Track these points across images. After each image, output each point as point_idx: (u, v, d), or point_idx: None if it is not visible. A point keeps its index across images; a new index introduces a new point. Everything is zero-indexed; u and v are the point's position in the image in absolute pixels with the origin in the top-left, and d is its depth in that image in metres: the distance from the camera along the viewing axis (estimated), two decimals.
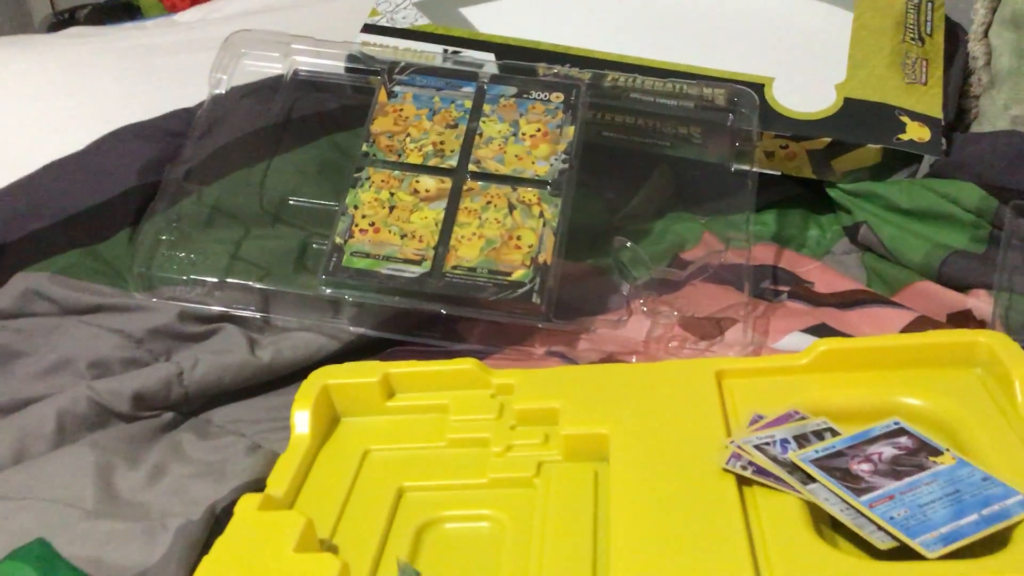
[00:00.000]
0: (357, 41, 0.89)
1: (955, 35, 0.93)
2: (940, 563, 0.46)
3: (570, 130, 0.79)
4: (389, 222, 0.75)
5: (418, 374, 0.66)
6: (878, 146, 0.80)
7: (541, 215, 0.75)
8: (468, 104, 0.81)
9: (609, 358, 0.73)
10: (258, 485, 0.61)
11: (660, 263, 0.83)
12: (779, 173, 0.85)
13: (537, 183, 0.77)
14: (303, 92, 0.86)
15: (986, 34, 0.89)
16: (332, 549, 0.54)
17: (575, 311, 0.76)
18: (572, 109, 0.80)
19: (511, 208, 0.76)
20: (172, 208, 0.78)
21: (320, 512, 0.57)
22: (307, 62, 0.86)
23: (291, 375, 0.73)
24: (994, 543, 0.47)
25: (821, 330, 0.72)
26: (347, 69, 0.85)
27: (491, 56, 0.88)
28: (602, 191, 0.88)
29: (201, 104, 0.84)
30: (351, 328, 0.74)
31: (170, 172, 0.80)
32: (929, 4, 0.91)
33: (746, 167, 0.79)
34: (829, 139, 0.81)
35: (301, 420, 0.62)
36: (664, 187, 0.89)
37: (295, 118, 0.85)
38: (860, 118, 0.81)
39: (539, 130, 0.79)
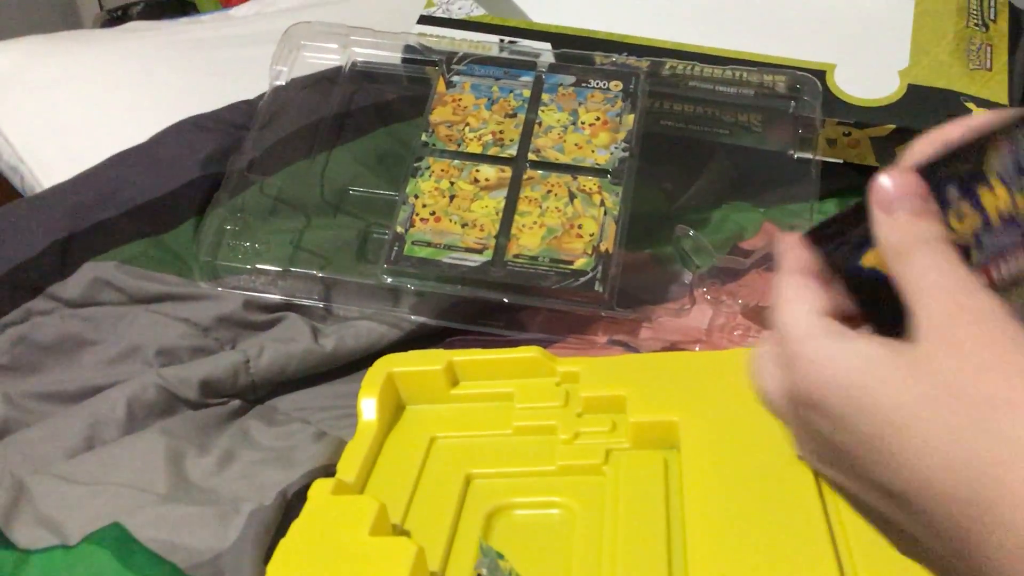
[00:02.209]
0: (414, 32, 0.89)
1: (1019, 20, 0.91)
2: None
3: (629, 118, 0.79)
4: (450, 211, 0.75)
5: (482, 362, 0.66)
6: None
7: (602, 204, 0.75)
8: (527, 93, 0.81)
9: (672, 347, 0.73)
10: (327, 471, 0.61)
11: (720, 252, 0.83)
12: (841, 161, 0.84)
13: (597, 172, 0.77)
14: (361, 83, 0.86)
15: None
16: (404, 534, 0.55)
17: (637, 300, 0.75)
18: (631, 97, 0.80)
19: (572, 197, 0.75)
20: (235, 198, 0.78)
21: (390, 498, 0.57)
22: (365, 53, 0.86)
23: (354, 363, 0.74)
24: None
25: None
26: (404, 60, 0.86)
27: (547, 45, 0.88)
28: (661, 180, 0.88)
29: (262, 96, 0.85)
30: (412, 317, 0.75)
31: (233, 163, 0.81)
32: None
33: (809, 155, 0.78)
34: (893, 126, 0.80)
35: (368, 407, 0.63)
36: (723, 176, 0.89)
37: (354, 109, 0.85)
38: (924, 104, 0.80)
39: (598, 119, 0.79)
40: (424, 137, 0.78)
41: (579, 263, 0.72)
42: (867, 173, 0.85)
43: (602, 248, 0.73)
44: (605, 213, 0.75)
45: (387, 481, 0.59)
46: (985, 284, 0.29)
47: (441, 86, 0.81)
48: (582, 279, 0.71)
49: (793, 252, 0.31)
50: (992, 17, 0.88)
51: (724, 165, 0.88)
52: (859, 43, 0.86)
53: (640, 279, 0.78)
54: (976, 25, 0.87)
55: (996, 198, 0.29)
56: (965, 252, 0.29)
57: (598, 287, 0.71)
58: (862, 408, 0.28)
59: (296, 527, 0.52)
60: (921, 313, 0.28)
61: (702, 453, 0.55)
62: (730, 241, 0.84)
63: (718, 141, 0.86)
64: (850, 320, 0.30)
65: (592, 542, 0.53)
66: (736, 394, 0.60)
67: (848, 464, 0.29)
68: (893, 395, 0.27)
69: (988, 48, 0.85)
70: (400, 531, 0.55)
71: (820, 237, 0.30)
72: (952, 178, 0.29)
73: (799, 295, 0.30)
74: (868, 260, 0.29)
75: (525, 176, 0.77)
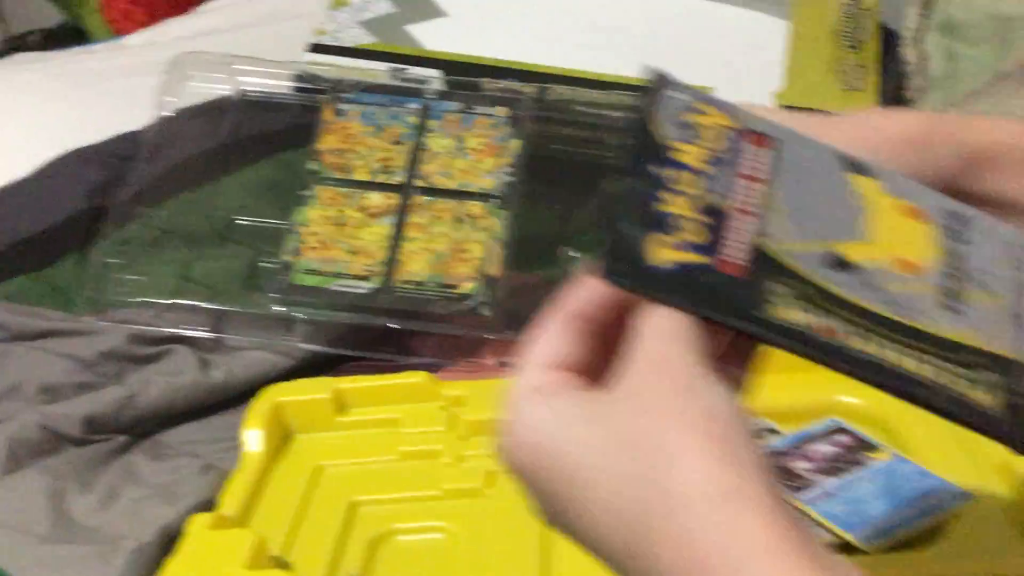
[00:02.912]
0: (303, 61, 0.89)
1: (890, 42, 0.95)
2: (877, 556, 0.47)
3: (515, 143, 0.80)
4: (338, 239, 0.75)
5: (369, 389, 0.66)
6: None
7: (488, 228, 0.76)
8: (414, 120, 0.82)
9: None
10: (212, 505, 0.61)
11: None
12: None
13: (483, 196, 0.78)
14: (250, 112, 0.86)
15: (919, 40, 0.92)
16: (284, 565, 0.55)
17: (526, 322, 0.76)
18: (517, 122, 0.82)
19: (458, 221, 0.76)
20: (121, 231, 0.78)
21: (273, 529, 0.57)
22: (253, 82, 0.86)
23: (245, 394, 0.73)
24: (930, 535, 0.49)
25: None
26: (293, 89, 0.86)
27: (437, 72, 0.89)
28: (552, 203, 0.89)
29: (148, 127, 0.84)
30: (303, 345, 0.75)
31: (118, 195, 0.80)
32: (864, 12, 0.93)
33: None
34: None
35: (252, 438, 0.63)
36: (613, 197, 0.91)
37: (242, 138, 0.85)
38: None
39: (484, 144, 0.80)
40: (312, 165, 0.79)
41: (465, 287, 0.73)
42: None
43: (488, 272, 0.74)
44: (491, 237, 0.76)
45: (271, 512, 0.59)
46: (750, 222, 0.30)
47: (329, 114, 0.82)
48: (468, 303, 0.73)
49: (570, 291, 0.32)
50: (863, 38, 0.91)
51: (613, 186, 0.90)
52: (736, 66, 0.89)
53: (530, 301, 0.79)
54: (849, 47, 0.90)
55: (687, 153, 0.31)
56: (710, 211, 0.30)
57: (484, 310, 0.72)
58: (552, 471, 0.28)
59: (172, 564, 0.52)
60: (626, 356, 0.29)
61: None
62: None
63: (606, 163, 0.87)
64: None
65: (472, 565, 0.54)
66: None
67: (562, 524, 0.29)
68: (578, 454, 0.28)
69: (860, 69, 0.88)
70: (280, 563, 0.55)
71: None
72: (651, 164, 0.30)
73: (533, 347, 0.31)
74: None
75: (413, 202, 0.77)
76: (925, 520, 0.48)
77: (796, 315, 0.30)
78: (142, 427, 0.71)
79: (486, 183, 0.78)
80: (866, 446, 0.54)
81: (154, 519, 0.60)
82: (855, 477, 0.52)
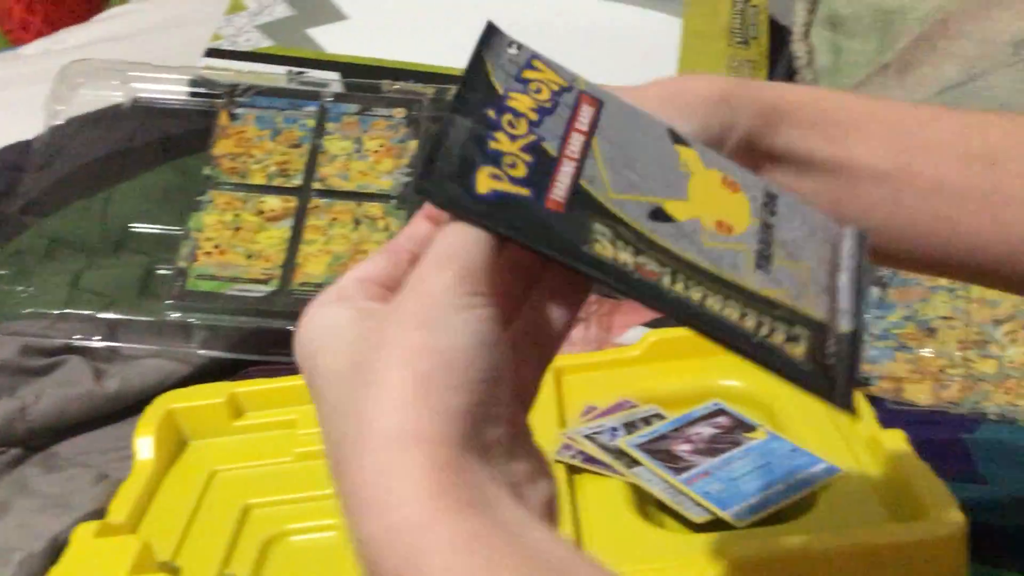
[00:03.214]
0: (199, 66, 0.89)
1: (781, 37, 0.98)
2: (748, 531, 0.49)
3: (413, 144, 0.81)
4: (234, 243, 0.75)
5: (265, 392, 0.66)
6: None
7: (387, 228, 0.77)
8: (311, 123, 0.82)
9: None
10: (104, 514, 0.60)
11: None
12: None
13: (382, 198, 0.78)
14: (145, 119, 0.85)
15: (807, 35, 0.94)
16: (173, 570, 0.54)
17: None
18: (415, 124, 0.82)
19: (357, 223, 0.77)
20: (10, 242, 0.76)
21: (163, 535, 0.57)
22: (148, 88, 0.86)
23: (143, 403, 0.72)
24: (800, 509, 0.50)
25: (662, 323, 0.75)
26: (189, 94, 0.85)
27: (336, 75, 0.89)
28: None
29: (39, 136, 0.83)
30: (201, 352, 0.74)
31: (8, 205, 0.79)
32: (753, 8, 0.96)
33: None
34: None
35: (143, 446, 0.62)
36: None
37: (137, 145, 0.84)
38: None
39: (382, 146, 0.81)
40: (207, 171, 0.78)
41: None
42: None
43: None
44: (390, 238, 0.76)
45: (162, 519, 0.59)
46: (575, 166, 0.31)
47: (224, 119, 0.81)
48: None
49: (409, 224, 0.33)
50: (754, 35, 0.94)
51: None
52: (630, 64, 0.91)
53: None
54: (739, 43, 0.93)
55: (520, 102, 0.32)
56: (540, 154, 0.31)
57: None
58: (307, 367, 0.29)
59: (54, 572, 0.51)
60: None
61: None
62: None
63: None
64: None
65: None
66: None
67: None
68: (324, 357, 0.29)
69: (749, 64, 0.91)
70: (168, 568, 0.54)
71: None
72: (487, 108, 0.31)
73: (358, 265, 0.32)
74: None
75: (310, 205, 0.77)
76: (795, 495, 0.50)
77: (618, 254, 0.30)
78: (35, 439, 0.70)
79: (384, 184, 0.79)
80: (744, 426, 0.56)
81: (45, 530, 0.60)
82: (731, 456, 0.53)
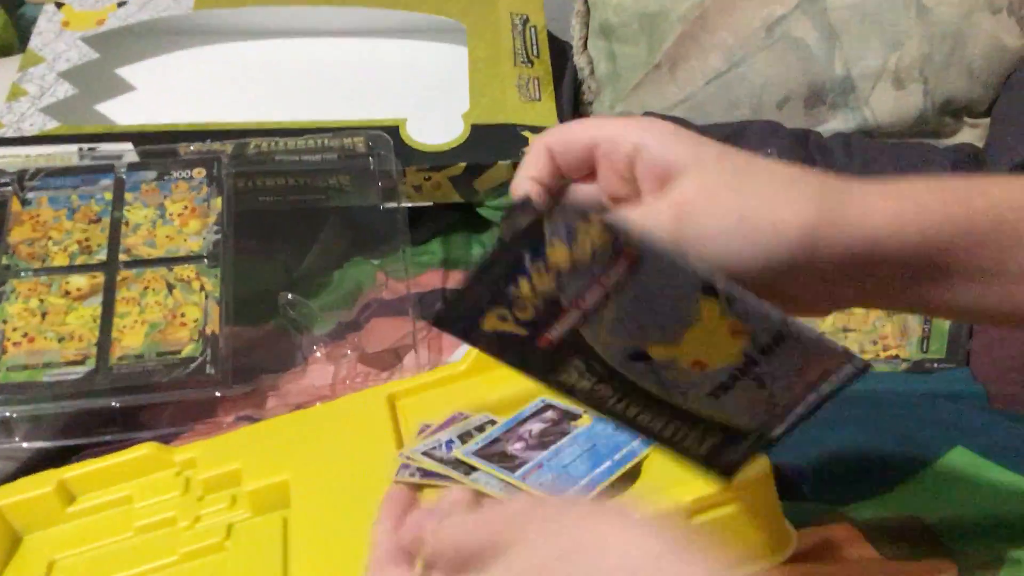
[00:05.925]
0: None
1: (562, 51, 1.03)
2: None
3: (217, 201, 0.81)
4: (43, 329, 0.73)
5: (96, 472, 0.64)
6: (507, 162, 0.87)
7: (202, 288, 0.76)
8: (108, 196, 0.80)
9: (299, 408, 0.75)
10: None
11: (342, 308, 0.86)
12: (431, 203, 0.91)
13: (193, 259, 0.78)
14: None
15: (585, 47, 0.99)
16: None
17: (257, 373, 0.77)
18: (216, 181, 0.82)
19: (170, 288, 0.76)
20: None
21: None
22: None
23: None
24: (628, 481, 0.53)
25: None
26: None
27: (129, 145, 0.88)
28: (275, 254, 0.90)
29: None
30: (26, 444, 0.72)
31: None
32: (532, 29, 1.00)
33: (394, 204, 0.84)
34: (464, 164, 0.87)
35: None
36: (336, 237, 0.92)
37: None
38: (487, 140, 0.88)
39: (186, 207, 0.80)
40: (4, 260, 0.76)
41: (187, 350, 0.73)
42: (458, 209, 0.93)
43: (208, 331, 0.74)
44: (207, 297, 0.76)
45: None
46: (580, 315, 0.37)
47: (16, 205, 0.79)
48: (192, 365, 0.72)
49: None
50: (536, 54, 0.98)
51: (335, 228, 0.92)
52: (426, 96, 0.94)
53: (258, 353, 0.79)
54: (523, 63, 0.97)
55: (559, 252, 0.36)
56: (551, 302, 0.37)
57: (208, 369, 0.72)
58: None
59: None
60: None
61: (308, 505, 0.57)
62: (350, 296, 0.88)
63: (320, 207, 0.89)
64: None
65: None
66: (343, 439, 0.63)
67: None
68: None
69: (535, 81, 0.95)
70: None
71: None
72: (525, 249, 0.36)
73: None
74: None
75: (119, 277, 0.76)
76: (620, 469, 0.53)
77: (580, 382, 0.40)
78: None
79: (193, 245, 0.78)
80: (570, 416, 0.58)
81: None
82: (560, 446, 0.56)
